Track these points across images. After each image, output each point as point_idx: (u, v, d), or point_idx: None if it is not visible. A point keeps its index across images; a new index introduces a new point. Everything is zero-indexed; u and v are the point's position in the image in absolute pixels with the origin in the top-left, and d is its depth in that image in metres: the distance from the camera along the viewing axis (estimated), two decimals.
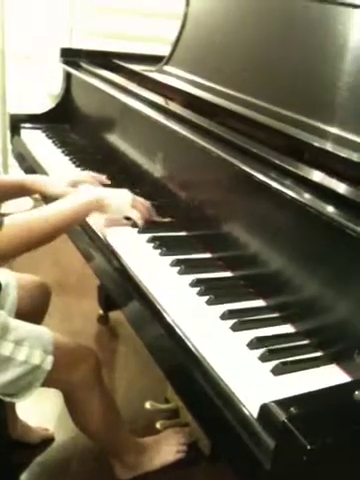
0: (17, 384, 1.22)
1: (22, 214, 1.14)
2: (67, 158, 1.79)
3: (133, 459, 1.54)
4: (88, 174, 1.54)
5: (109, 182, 1.53)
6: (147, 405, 1.67)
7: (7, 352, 1.20)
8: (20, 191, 1.46)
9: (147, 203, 1.35)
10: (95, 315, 2.33)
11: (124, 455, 1.52)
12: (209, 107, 1.41)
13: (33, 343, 1.23)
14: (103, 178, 1.54)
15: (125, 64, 1.95)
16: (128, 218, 1.30)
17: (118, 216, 1.30)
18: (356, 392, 0.75)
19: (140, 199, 1.33)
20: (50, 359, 1.23)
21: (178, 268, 1.12)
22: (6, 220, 1.08)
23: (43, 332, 1.28)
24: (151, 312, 1.04)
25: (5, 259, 1.20)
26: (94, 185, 1.47)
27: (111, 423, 1.45)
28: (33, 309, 1.48)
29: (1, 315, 1.25)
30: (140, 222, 1.28)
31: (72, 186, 1.43)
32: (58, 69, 2.17)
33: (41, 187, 1.43)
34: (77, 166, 1.71)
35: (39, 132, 2.06)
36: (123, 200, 1.28)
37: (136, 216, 1.28)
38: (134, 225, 1.29)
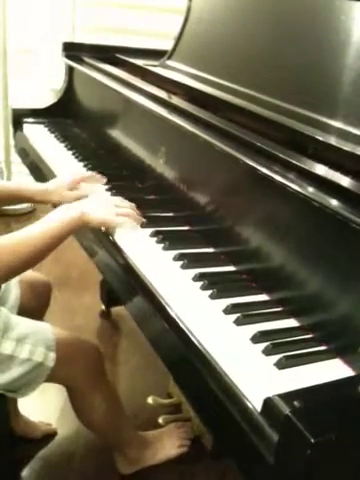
0: (20, 381, 1.22)
1: (5, 237, 1.10)
2: (70, 153, 1.79)
3: (135, 453, 1.54)
4: (84, 174, 1.51)
5: (105, 179, 1.51)
6: (149, 400, 1.67)
7: (9, 350, 1.20)
8: (18, 199, 1.45)
9: (130, 205, 1.29)
10: (97, 310, 2.33)
11: (127, 449, 1.53)
12: (212, 101, 1.41)
13: (35, 340, 1.23)
14: (100, 177, 1.51)
15: (128, 58, 1.94)
16: None
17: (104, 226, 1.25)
18: None
19: (122, 203, 1.27)
20: (52, 356, 1.23)
21: (181, 262, 1.12)
22: None
23: (45, 329, 1.28)
24: (154, 306, 1.04)
25: None
26: (92, 185, 1.45)
27: (114, 417, 1.45)
28: (35, 305, 1.48)
29: (2, 313, 1.25)
30: (131, 225, 1.23)
31: (71, 189, 1.42)
32: (60, 63, 2.16)
33: (40, 196, 1.40)
34: (80, 160, 1.71)
35: (42, 127, 2.06)
36: (106, 210, 1.22)
37: (124, 223, 1.22)
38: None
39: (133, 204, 1.28)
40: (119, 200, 1.29)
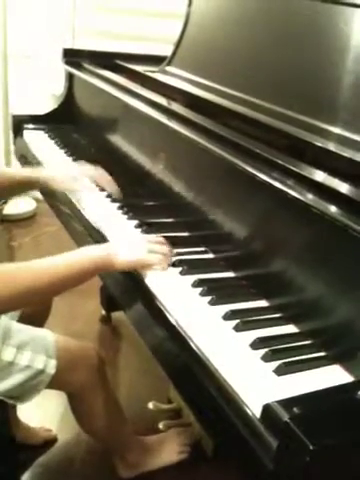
0: (21, 388, 1.21)
1: (16, 264, 1.04)
2: (70, 159, 1.79)
3: (136, 458, 1.54)
4: (92, 170, 1.54)
5: (109, 178, 1.53)
6: (150, 405, 1.67)
7: (9, 357, 1.19)
8: (27, 186, 1.53)
9: (164, 243, 1.18)
10: (97, 315, 2.33)
11: (127, 454, 1.53)
12: (211, 107, 1.41)
13: (36, 347, 1.22)
14: (107, 177, 1.53)
15: (127, 64, 1.95)
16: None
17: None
18: (359, 392, 0.75)
19: (155, 240, 1.18)
20: (53, 363, 1.23)
21: (180, 269, 1.12)
22: None
23: (46, 336, 1.27)
24: (153, 313, 1.04)
25: None
26: (97, 182, 1.50)
27: (115, 423, 1.45)
28: (36, 312, 1.47)
29: (3, 320, 1.24)
30: (164, 266, 1.13)
31: (77, 181, 1.48)
32: (60, 69, 2.17)
33: (47, 182, 1.47)
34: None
35: (42, 133, 2.06)
36: (137, 251, 1.12)
37: (158, 262, 1.12)
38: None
39: (163, 240, 1.19)
40: (151, 237, 1.20)
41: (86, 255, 1.08)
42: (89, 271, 1.08)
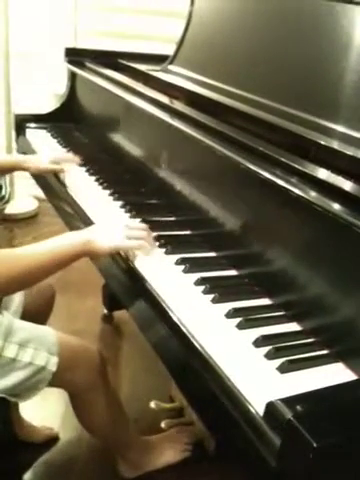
0: (23, 385, 1.21)
1: (6, 250, 1.09)
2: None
3: (137, 458, 1.54)
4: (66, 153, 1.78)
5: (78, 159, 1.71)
6: (152, 404, 1.66)
7: (11, 354, 1.19)
8: (12, 168, 1.77)
9: (143, 226, 1.23)
10: (99, 314, 2.33)
11: (128, 453, 1.52)
12: (214, 106, 1.41)
13: (38, 345, 1.22)
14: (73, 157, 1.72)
15: (130, 63, 1.95)
16: None
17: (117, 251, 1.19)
18: None
19: (134, 225, 1.24)
20: (55, 360, 1.23)
21: (183, 267, 1.12)
22: None
23: (47, 333, 1.27)
24: (156, 311, 1.04)
25: None
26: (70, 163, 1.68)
27: (116, 422, 1.45)
28: (38, 310, 1.47)
29: (6, 317, 1.25)
30: (144, 250, 1.17)
31: (55, 163, 1.67)
32: (63, 69, 2.17)
33: (27, 163, 1.67)
34: (82, 165, 1.71)
35: (44, 132, 2.06)
36: (114, 236, 1.16)
37: (137, 246, 1.17)
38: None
39: (145, 226, 1.23)
40: (131, 222, 1.25)
41: (67, 242, 1.13)
42: (70, 257, 1.13)
